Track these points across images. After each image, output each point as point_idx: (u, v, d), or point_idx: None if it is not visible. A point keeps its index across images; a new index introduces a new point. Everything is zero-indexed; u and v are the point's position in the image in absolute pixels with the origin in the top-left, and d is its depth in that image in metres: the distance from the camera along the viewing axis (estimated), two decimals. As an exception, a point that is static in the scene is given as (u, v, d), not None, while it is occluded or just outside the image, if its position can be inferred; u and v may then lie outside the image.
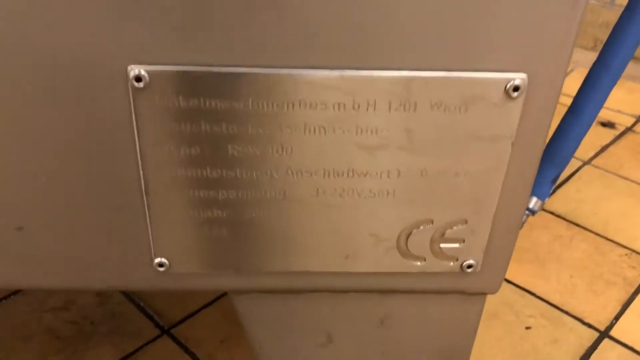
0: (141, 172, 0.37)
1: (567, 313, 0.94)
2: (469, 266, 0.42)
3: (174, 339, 0.88)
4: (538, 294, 0.98)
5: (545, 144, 0.40)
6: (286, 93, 0.34)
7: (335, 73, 0.34)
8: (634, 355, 0.87)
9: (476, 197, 0.39)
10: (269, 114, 0.35)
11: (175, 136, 0.35)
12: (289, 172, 0.37)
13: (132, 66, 0.33)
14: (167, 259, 0.41)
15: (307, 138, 0.36)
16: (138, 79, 0.33)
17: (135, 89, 0.34)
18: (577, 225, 1.13)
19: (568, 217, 1.15)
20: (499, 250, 0.42)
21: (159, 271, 0.41)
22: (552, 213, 1.16)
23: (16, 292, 0.93)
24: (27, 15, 0.32)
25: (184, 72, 0.34)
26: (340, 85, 0.34)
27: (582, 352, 0.87)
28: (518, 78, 0.35)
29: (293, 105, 0.35)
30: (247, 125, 0.35)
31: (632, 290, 0.99)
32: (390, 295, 0.45)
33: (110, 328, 0.89)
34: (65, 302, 0.93)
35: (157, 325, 0.90)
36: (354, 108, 0.35)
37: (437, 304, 0.45)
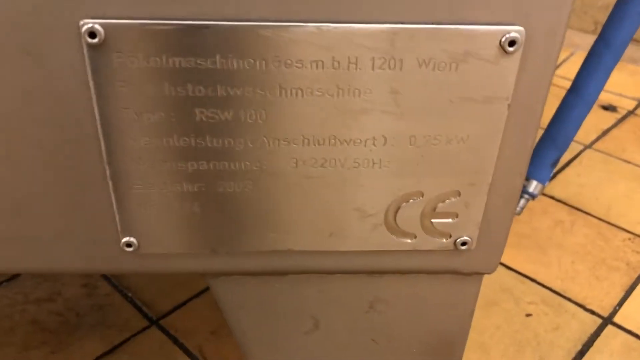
0: (102, 140, 0.34)
1: (568, 299, 0.91)
2: (463, 243, 0.39)
3: (163, 330, 0.85)
4: (539, 280, 0.95)
5: (547, 118, 0.37)
6: (257, 49, 0.31)
7: (311, 26, 0.31)
8: (639, 341, 0.84)
9: (470, 167, 0.36)
10: (239, 73, 0.32)
11: (137, 99, 0.32)
12: (264, 140, 0.34)
13: (86, 20, 0.30)
14: (136, 239, 0.38)
15: (283, 101, 0.33)
16: (92, 34, 0.30)
17: (90, 47, 0.30)
18: (579, 210, 1.10)
19: (569, 202, 1.12)
20: (496, 225, 0.39)
21: (127, 252, 0.38)
22: (552, 198, 1.13)
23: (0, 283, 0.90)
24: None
25: (143, 25, 0.30)
26: (318, 40, 0.31)
27: (585, 338, 0.84)
28: (514, 31, 0.32)
29: (266, 63, 0.31)
30: (215, 87, 0.32)
31: (636, 275, 0.96)
32: (379, 276, 0.42)
33: (97, 319, 0.86)
34: (50, 294, 0.90)
35: (145, 316, 0.87)
36: (333, 67, 0.32)
37: (430, 286, 0.42)
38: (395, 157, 0.35)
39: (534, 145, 0.37)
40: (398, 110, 0.33)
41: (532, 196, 0.51)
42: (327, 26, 0.31)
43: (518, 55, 0.32)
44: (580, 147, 1.28)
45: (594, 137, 1.31)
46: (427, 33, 0.31)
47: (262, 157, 0.34)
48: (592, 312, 0.88)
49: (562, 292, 0.92)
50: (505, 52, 0.32)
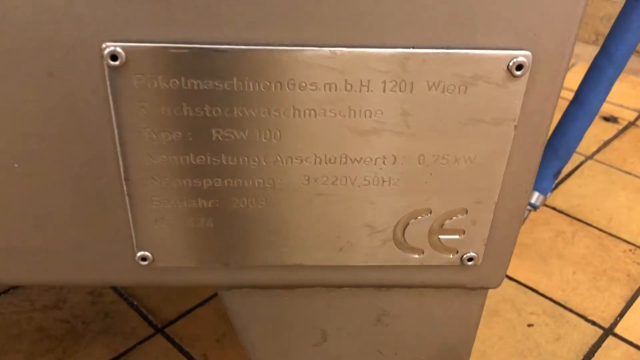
0: (120, 158, 0.35)
1: (570, 310, 0.92)
2: (470, 259, 0.40)
3: (168, 337, 0.86)
4: (540, 290, 0.96)
5: (549, 131, 0.38)
6: (273, 72, 0.32)
7: (326, 50, 0.32)
8: (639, 352, 0.84)
9: (477, 185, 0.37)
10: (254, 95, 0.33)
11: (155, 119, 0.33)
12: (278, 158, 0.35)
13: (108, 43, 0.31)
14: (150, 253, 0.38)
15: (297, 122, 0.34)
16: (114, 57, 0.31)
17: (111, 68, 0.31)
18: (580, 220, 1.11)
19: (570, 213, 1.13)
20: (501, 242, 0.40)
21: (141, 265, 0.39)
22: (554, 209, 1.14)
23: (6, 291, 0.91)
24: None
25: (163, 49, 0.31)
26: (331, 63, 0.32)
27: (586, 349, 0.85)
28: (521, 56, 0.33)
29: (281, 85, 0.32)
30: (231, 108, 0.33)
31: (637, 286, 0.97)
32: (387, 290, 0.43)
33: (103, 327, 0.87)
34: (56, 301, 0.91)
35: (150, 324, 0.88)
36: (346, 89, 0.33)
37: (436, 300, 0.43)
38: (405, 176, 0.36)
39: (539, 164, 0.38)
40: (408, 130, 0.34)
41: (534, 207, 0.52)
42: (341, 50, 0.32)
43: (525, 78, 0.33)
44: (582, 158, 1.29)
45: (595, 148, 1.32)
46: (437, 57, 0.32)
47: (275, 174, 0.35)
48: (593, 323, 0.89)
49: (563, 303, 0.93)
50: (513, 75, 0.33)
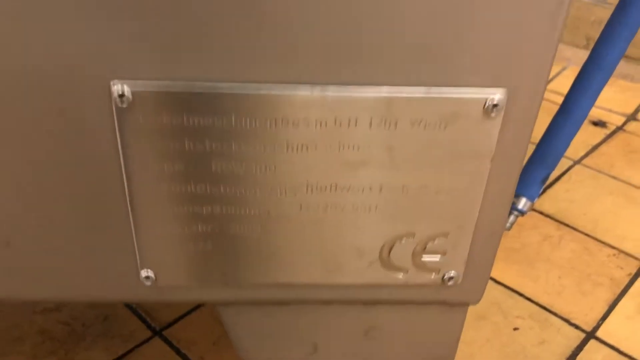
0: (126, 186, 0.37)
1: (554, 314, 0.95)
2: (450, 278, 0.43)
3: (166, 340, 0.88)
4: (526, 294, 0.99)
5: (525, 160, 0.41)
6: (268, 110, 0.35)
7: (317, 90, 0.35)
8: (620, 356, 0.88)
9: (457, 213, 0.40)
10: (251, 131, 0.35)
11: (159, 153, 0.36)
12: (273, 189, 0.38)
13: (115, 81, 0.34)
14: (154, 272, 0.41)
15: (291, 156, 0.37)
16: (121, 95, 0.34)
17: (118, 107, 0.34)
18: (567, 225, 1.14)
19: (557, 217, 1.16)
20: (480, 262, 0.43)
21: (145, 284, 0.42)
22: (541, 213, 1.17)
23: (8, 294, 0.93)
24: (7, 27, 0.33)
25: (167, 89, 0.34)
26: (322, 102, 0.35)
27: (568, 353, 0.88)
28: (497, 95, 0.35)
29: (275, 122, 0.35)
30: (230, 143, 0.36)
31: (619, 290, 1.00)
32: (373, 306, 0.46)
33: (102, 330, 0.90)
34: (56, 304, 0.93)
35: (149, 326, 0.90)
36: (335, 125, 0.36)
37: (420, 315, 0.46)
38: (390, 204, 0.39)
39: (514, 190, 0.41)
40: (392, 163, 0.37)
41: (522, 212, 0.54)
42: (331, 90, 0.35)
43: (500, 116, 0.36)
44: (570, 163, 1.32)
45: (583, 152, 1.35)
46: (419, 97, 0.35)
47: (270, 204, 0.38)
48: (576, 327, 0.92)
49: (548, 307, 0.96)
50: (489, 114, 0.36)
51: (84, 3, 0.32)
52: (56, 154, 0.37)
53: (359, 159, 0.37)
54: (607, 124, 1.46)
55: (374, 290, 0.44)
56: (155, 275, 0.41)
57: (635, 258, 1.06)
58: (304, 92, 0.35)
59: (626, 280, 1.02)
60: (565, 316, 0.94)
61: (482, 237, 0.42)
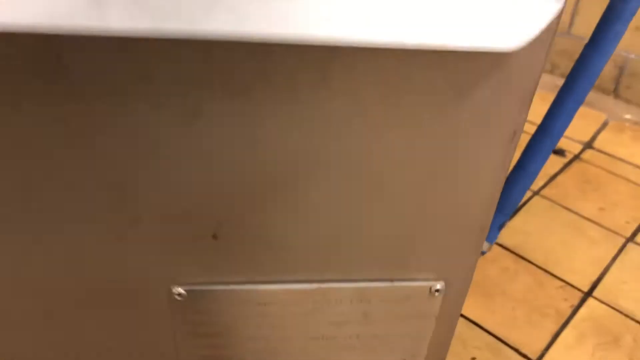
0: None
1: (507, 344, 1.13)
2: (410, 385, 0.59)
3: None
4: (484, 326, 1.16)
5: (460, 313, 0.57)
6: (282, 302, 0.51)
7: (314, 285, 0.50)
8: (557, 384, 1.06)
9: (413, 348, 0.56)
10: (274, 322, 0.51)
11: (204, 338, 0.51)
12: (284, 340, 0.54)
13: (174, 285, 0.49)
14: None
15: (298, 316, 0.52)
16: (179, 295, 0.49)
17: (174, 304, 0.49)
18: (522, 257, 1.31)
19: (515, 250, 1.33)
20: (431, 373, 0.59)
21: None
22: (501, 246, 1.34)
23: None
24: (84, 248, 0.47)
25: (210, 290, 0.49)
26: (319, 292, 0.50)
27: (516, 381, 1.06)
28: (438, 284, 0.51)
29: (284, 303, 0.51)
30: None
31: (562, 321, 1.18)
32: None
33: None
34: None
35: None
36: (327, 303, 0.51)
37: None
38: (365, 344, 0.55)
39: (454, 329, 0.57)
40: (366, 322, 0.53)
41: (482, 253, 0.59)
42: (325, 284, 0.50)
43: (441, 296, 0.52)
44: (530, 194, 1.48)
45: (542, 183, 1.51)
46: (384, 287, 0.51)
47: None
48: (525, 356, 1.10)
49: (502, 338, 1.13)
50: (433, 295, 0.52)
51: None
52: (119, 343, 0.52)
53: (343, 320, 0.53)
54: (566, 152, 1.62)
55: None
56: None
57: (580, 290, 1.24)
58: (304, 286, 0.50)
59: (569, 312, 1.19)
60: (516, 347, 1.12)
61: (432, 357, 0.58)
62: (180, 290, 0.49)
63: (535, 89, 0.43)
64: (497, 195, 0.47)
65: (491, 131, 0.42)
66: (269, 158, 0.41)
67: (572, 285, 1.25)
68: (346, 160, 0.42)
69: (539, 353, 1.11)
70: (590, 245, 1.34)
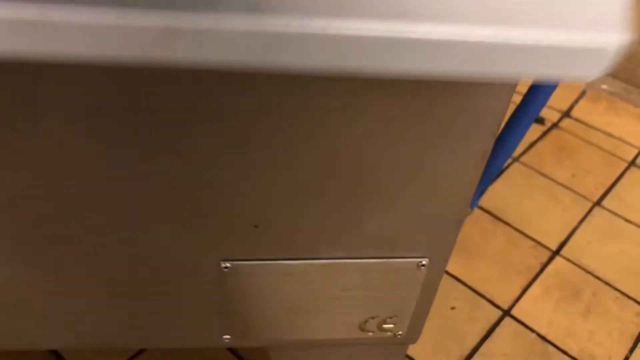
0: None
1: (483, 297, 1.30)
2: (399, 334, 0.75)
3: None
4: (464, 280, 1.33)
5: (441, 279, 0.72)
6: (302, 273, 0.66)
7: (327, 261, 0.65)
8: (527, 330, 1.23)
9: (403, 306, 0.72)
10: (297, 287, 0.66)
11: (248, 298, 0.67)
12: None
13: (223, 262, 0.64)
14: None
15: (313, 286, 0.68)
16: (225, 267, 0.64)
17: (222, 271, 0.64)
18: (500, 219, 1.47)
19: (494, 212, 1.48)
20: (417, 322, 0.75)
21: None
22: (482, 208, 1.49)
23: None
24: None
25: (249, 264, 0.64)
26: (331, 266, 0.66)
27: (487, 327, 1.24)
28: (424, 260, 0.66)
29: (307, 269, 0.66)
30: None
31: (531, 277, 1.35)
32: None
33: None
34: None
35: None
36: (337, 274, 0.67)
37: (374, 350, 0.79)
38: (365, 304, 0.71)
39: (436, 290, 0.73)
40: (366, 287, 0.69)
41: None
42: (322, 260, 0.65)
43: (426, 269, 0.67)
44: (510, 160, 1.63)
45: (521, 150, 1.66)
46: (381, 263, 0.66)
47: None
48: (498, 307, 1.27)
49: (479, 291, 1.30)
50: (420, 268, 0.67)
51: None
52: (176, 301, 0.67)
53: (348, 286, 0.68)
54: (545, 121, 1.76)
55: (353, 340, 0.76)
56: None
57: (549, 249, 1.41)
58: (320, 262, 0.65)
59: (538, 268, 1.36)
60: (491, 298, 1.29)
61: (419, 312, 0.74)
62: (227, 264, 0.63)
63: (502, 119, 0.57)
64: (472, 193, 0.62)
65: (464, 148, 0.56)
66: (295, 173, 0.55)
67: (542, 245, 1.41)
68: (357, 171, 0.56)
69: (510, 304, 1.28)
70: (562, 209, 1.50)
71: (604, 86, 1.89)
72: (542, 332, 1.23)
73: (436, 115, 0.53)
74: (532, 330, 1.24)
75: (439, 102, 0.51)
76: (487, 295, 1.30)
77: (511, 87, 0.52)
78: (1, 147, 0.50)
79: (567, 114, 1.80)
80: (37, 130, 0.49)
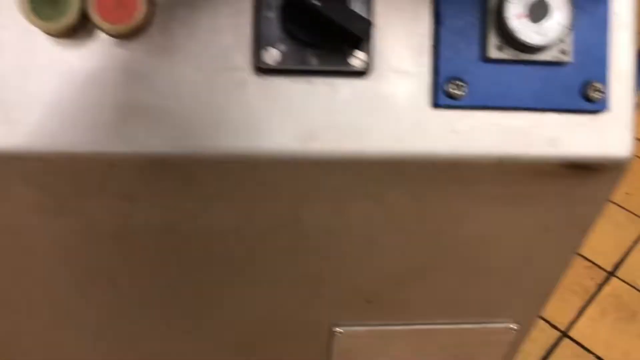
0: None
1: (540, 317, 1.36)
2: None
3: None
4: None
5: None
6: (403, 337, 0.73)
7: (423, 326, 0.73)
8: (585, 352, 1.30)
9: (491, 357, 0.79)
10: (400, 348, 0.74)
11: (350, 349, 0.75)
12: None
13: (337, 328, 0.72)
14: None
15: (411, 348, 0.75)
16: (339, 333, 0.72)
17: (333, 337, 0.72)
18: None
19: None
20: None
21: None
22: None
23: None
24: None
25: (357, 330, 0.72)
26: (427, 330, 0.73)
27: (547, 347, 1.30)
28: (514, 325, 0.73)
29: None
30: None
31: (588, 298, 1.40)
32: None
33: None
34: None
35: None
36: (433, 335, 0.74)
37: None
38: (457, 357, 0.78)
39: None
40: (459, 344, 0.76)
41: None
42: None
43: (515, 332, 0.74)
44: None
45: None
46: (475, 328, 0.73)
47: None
48: (555, 327, 1.34)
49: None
50: (510, 332, 0.74)
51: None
52: None
53: (444, 345, 0.76)
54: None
55: None
56: None
57: (604, 270, 1.45)
58: (416, 327, 0.73)
59: (594, 289, 1.42)
60: (548, 319, 1.35)
61: None
62: (340, 330, 0.72)
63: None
64: (564, 272, 0.68)
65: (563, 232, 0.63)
66: (412, 254, 0.63)
67: (597, 266, 1.46)
68: (467, 251, 0.64)
69: (567, 325, 1.35)
70: (615, 228, 1.54)
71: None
72: (601, 353, 1.29)
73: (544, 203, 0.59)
74: (591, 352, 1.30)
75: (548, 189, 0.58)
76: (545, 316, 1.36)
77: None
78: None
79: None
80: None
